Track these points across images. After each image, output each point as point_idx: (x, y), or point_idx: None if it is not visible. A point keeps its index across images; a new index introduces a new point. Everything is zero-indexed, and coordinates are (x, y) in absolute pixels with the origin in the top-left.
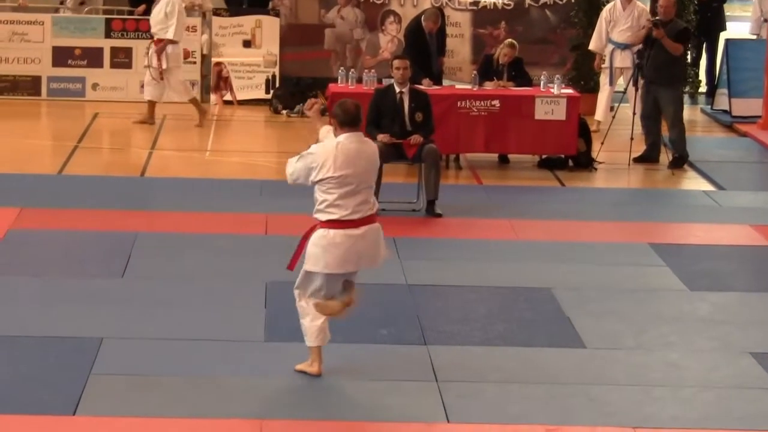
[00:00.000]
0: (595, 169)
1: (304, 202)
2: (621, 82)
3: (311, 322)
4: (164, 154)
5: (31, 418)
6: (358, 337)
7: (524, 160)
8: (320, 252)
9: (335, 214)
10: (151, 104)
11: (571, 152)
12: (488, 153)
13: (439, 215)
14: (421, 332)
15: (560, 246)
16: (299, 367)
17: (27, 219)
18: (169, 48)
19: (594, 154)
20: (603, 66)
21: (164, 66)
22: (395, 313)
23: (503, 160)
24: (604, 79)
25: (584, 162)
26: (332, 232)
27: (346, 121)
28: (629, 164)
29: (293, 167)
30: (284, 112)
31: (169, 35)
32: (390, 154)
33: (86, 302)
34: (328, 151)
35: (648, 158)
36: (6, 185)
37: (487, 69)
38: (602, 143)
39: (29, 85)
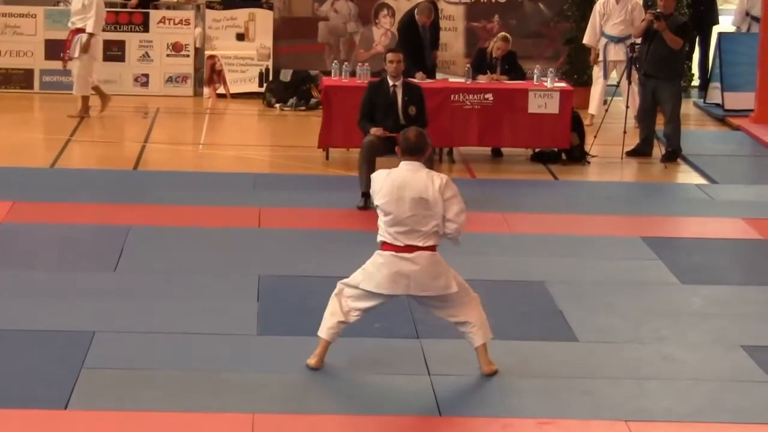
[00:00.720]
0: (588, 162)
1: (298, 196)
2: (614, 76)
3: (332, 317)
4: (158, 148)
5: (23, 412)
6: (350, 331)
7: (517, 154)
8: (374, 270)
9: (386, 238)
10: (85, 98)
11: (564, 146)
12: (481, 146)
13: None
14: (414, 326)
15: (553, 239)
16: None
17: (19, 212)
18: (84, 38)
19: (587, 148)
20: (598, 60)
21: (75, 55)
22: (388, 307)
23: (496, 153)
24: (597, 72)
25: (577, 155)
26: (384, 252)
27: (405, 149)
28: (622, 158)
29: None
30: (277, 105)
31: (89, 28)
32: (383, 147)
33: (78, 296)
34: (382, 178)
35: (641, 152)
36: None
37: (480, 62)
38: (595, 137)
39: (22, 78)
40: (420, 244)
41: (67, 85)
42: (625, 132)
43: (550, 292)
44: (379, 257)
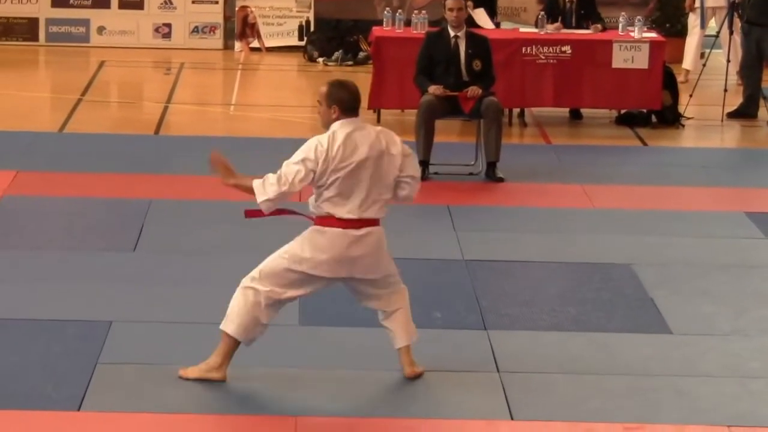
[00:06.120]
0: (683, 125)
1: None
2: (713, 24)
3: (247, 315)
4: (182, 109)
5: (30, 414)
6: None
7: (600, 116)
8: (313, 253)
9: (331, 210)
10: None
11: (654, 106)
12: (558, 107)
13: (501, 180)
14: (481, 315)
15: (642, 215)
16: (194, 374)
17: (24, 183)
18: None
19: (681, 109)
20: (694, 6)
21: None
22: (450, 294)
23: (575, 115)
24: (693, 20)
25: (670, 118)
26: (326, 229)
27: (349, 106)
28: (722, 120)
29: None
30: (320, 59)
31: None
32: (444, 108)
33: (93, 280)
34: (324, 146)
35: (744, 113)
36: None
37: (551, 8)
38: (691, 96)
39: (25, 29)
40: (373, 216)
41: (78, 36)
42: (725, 90)
43: (639, 277)
44: (323, 234)
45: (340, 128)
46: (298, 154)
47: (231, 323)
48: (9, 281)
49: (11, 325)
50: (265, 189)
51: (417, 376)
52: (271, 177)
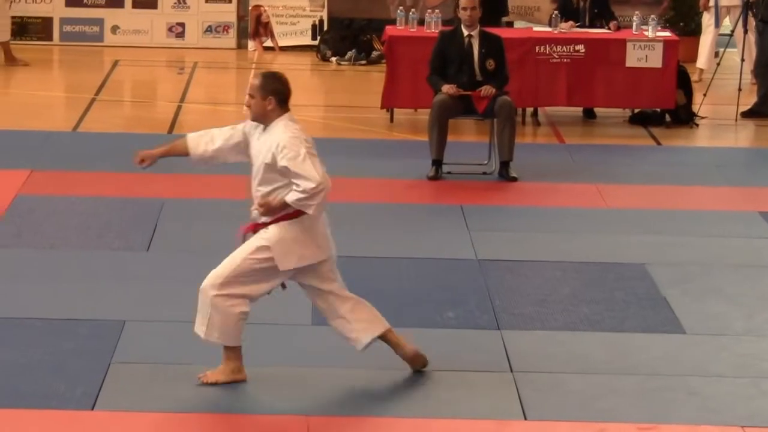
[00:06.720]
0: (697, 125)
1: (357, 164)
2: (727, 23)
3: (231, 317)
4: (195, 108)
5: (43, 413)
6: (420, 321)
7: (613, 115)
8: (291, 244)
9: None
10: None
11: (668, 106)
12: (571, 107)
13: (515, 179)
14: (494, 315)
15: (655, 215)
16: (219, 379)
17: (37, 183)
18: None
19: (695, 108)
20: (708, 5)
21: None
22: (464, 293)
23: (589, 114)
24: (707, 19)
25: (684, 117)
26: (304, 218)
27: (286, 98)
28: (737, 119)
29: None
30: (333, 59)
31: None
32: (457, 107)
33: (106, 279)
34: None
35: (759, 112)
36: (13, 144)
37: (564, 8)
38: (705, 95)
39: (39, 29)
40: None
41: (92, 36)
42: (740, 89)
43: (652, 276)
44: (298, 224)
45: (290, 121)
46: (295, 149)
47: (214, 331)
48: (22, 280)
49: (25, 324)
50: (312, 196)
51: (420, 357)
52: (304, 183)
